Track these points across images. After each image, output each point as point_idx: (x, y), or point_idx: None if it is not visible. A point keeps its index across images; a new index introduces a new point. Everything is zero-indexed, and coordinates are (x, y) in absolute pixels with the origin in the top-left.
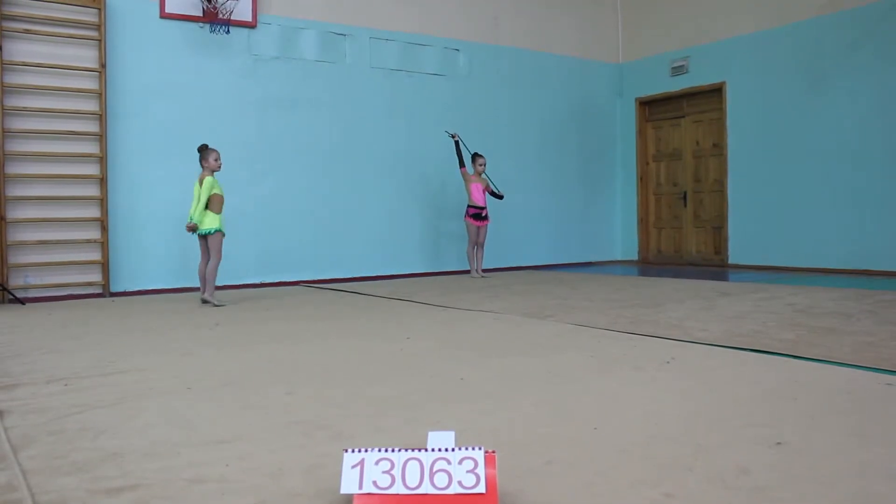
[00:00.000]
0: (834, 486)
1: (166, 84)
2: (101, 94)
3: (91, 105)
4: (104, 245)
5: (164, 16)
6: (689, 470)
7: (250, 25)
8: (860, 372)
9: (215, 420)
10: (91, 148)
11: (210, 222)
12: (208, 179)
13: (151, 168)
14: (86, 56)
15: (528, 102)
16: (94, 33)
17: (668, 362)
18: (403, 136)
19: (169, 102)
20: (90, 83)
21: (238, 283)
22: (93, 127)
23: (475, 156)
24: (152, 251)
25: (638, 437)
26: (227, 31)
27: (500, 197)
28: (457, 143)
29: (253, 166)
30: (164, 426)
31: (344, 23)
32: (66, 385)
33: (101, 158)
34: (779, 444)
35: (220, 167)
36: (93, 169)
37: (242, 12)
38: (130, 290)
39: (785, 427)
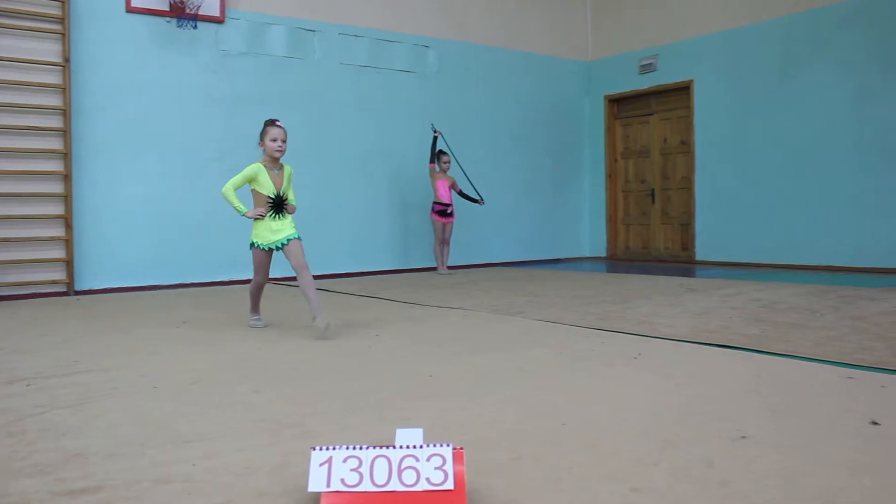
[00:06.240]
0: (797, 479)
1: (132, 79)
2: (65, 89)
3: (54, 100)
4: (68, 243)
5: (131, 10)
6: (656, 464)
7: (218, 20)
8: (823, 366)
9: (181, 419)
10: (55, 144)
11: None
12: (250, 166)
13: (117, 164)
14: (49, 50)
15: (498, 100)
16: (57, 27)
17: (635, 358)
18: (372, 133)
19: (135, 98)
20: (54, 78)
21: (208, 281)
22: (56, 122)
23: (440, 153)
24: (118, 249)
25: (605, 432)
26: (195, 27)
27: (479, 201)
28: (435, 138)
29: (222, 163)
30: (129, 426)
31: (313, 18)
32: (27, 385)
33: (66, 155)
34: (743, 437)
35: (277, 150)
36: (56, 165)
37: (210, 7)
38: (96, 288)
39: (749, 421)
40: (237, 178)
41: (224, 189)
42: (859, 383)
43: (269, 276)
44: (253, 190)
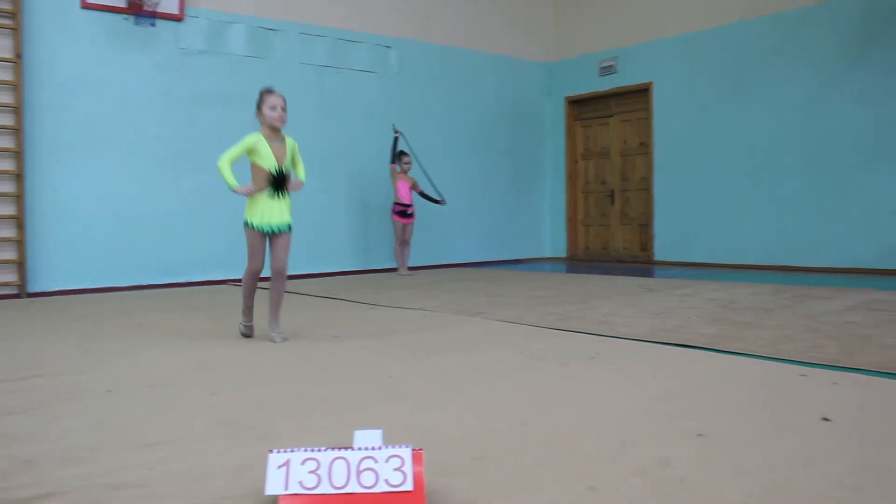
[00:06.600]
0: (752, 475)
1: (88, 77)
2: (16, 86)
3: (6, 97)
4: (20, 244)
5: (86, 6)
6: (614, 463)
7: (177, 18)
8: (777, 364)
9: (138, 423)
10: (6, 142)
11: (246, 209)
12: (248, 135)
13: (72, 164)
14: (0, 45)
15: (459, 100)
16: (9, 21)
17: (593, 358)
18: (333, 133)
19: (91, 96)
20: (5, 74)
21: (165, 283)
22: (8, 120)
23: (401, 154)
24: (73, 250)
25: (564, 431)
26: (153, 24)
27: (440, 202)
28: (396, 139)
29: (180, 163)
30: (83, 431)
31: (273, 17)
32: None
33: (18, 153)
34: (700, 435)
35: (277, 119)
36: (8, 164)
37: (169, 5)
38: (49, 290)
39: (706, 419)
40: (234, 150)
41: (219, 161)
42: (812, 381)
43: (235, 278)
44: (253, 163)
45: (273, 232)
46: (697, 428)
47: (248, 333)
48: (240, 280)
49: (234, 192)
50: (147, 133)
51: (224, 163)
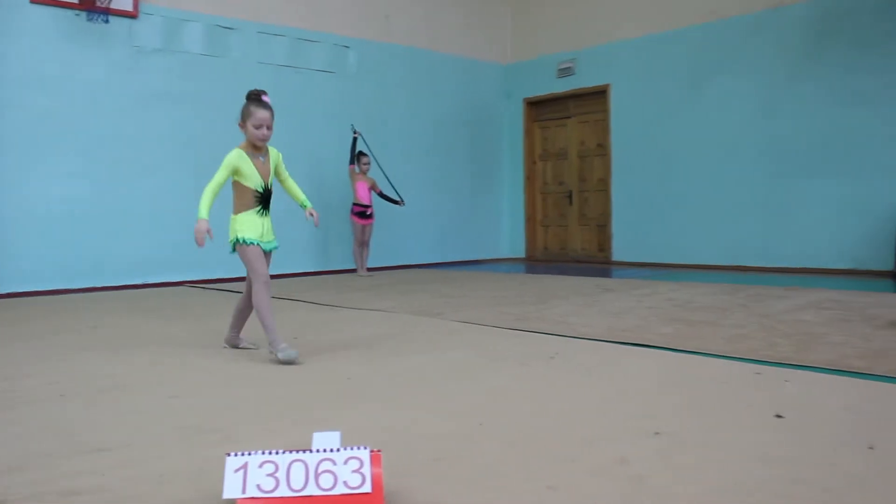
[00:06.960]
0: (708, 471)
1: (38, 75)
2: None
3: None
4: None
5: (36, 1)
6: (572, 462)
7: (131, 15)
8: (732, 362)
9: (93, 428)
10: None
11: (232, 227)
12: (230, 155)
13: (22, 163)
14: None
15: (418, 101)
16: None
17: (552, 358)
18: (291, 134)
19: (41, 94)
20: None
21: (120, 284)
22: None
23: (360, 154)
24: (23, 251)
25: (523, 431)
26: (107, 21)
27: (399, 203)
28: (355, 139)
29: (135, 163)
30: (35, 436)
31: (231, 16)
32: None
33: None
34: (657, 434)
35: (262, 136)
36: None
37: (122, 2)
38: (0, 293)
39: (663, 417)
40: (220, 175)
41: (206, 188)
42: (766, 378)
43: (192, 279)
44: (235, 183)
45: (268, 251)
46: (654, 426)
47: (290, 357)
48: (196, 282)
49: (197, 222)
50: (101, 132)
51: (208, 191)
